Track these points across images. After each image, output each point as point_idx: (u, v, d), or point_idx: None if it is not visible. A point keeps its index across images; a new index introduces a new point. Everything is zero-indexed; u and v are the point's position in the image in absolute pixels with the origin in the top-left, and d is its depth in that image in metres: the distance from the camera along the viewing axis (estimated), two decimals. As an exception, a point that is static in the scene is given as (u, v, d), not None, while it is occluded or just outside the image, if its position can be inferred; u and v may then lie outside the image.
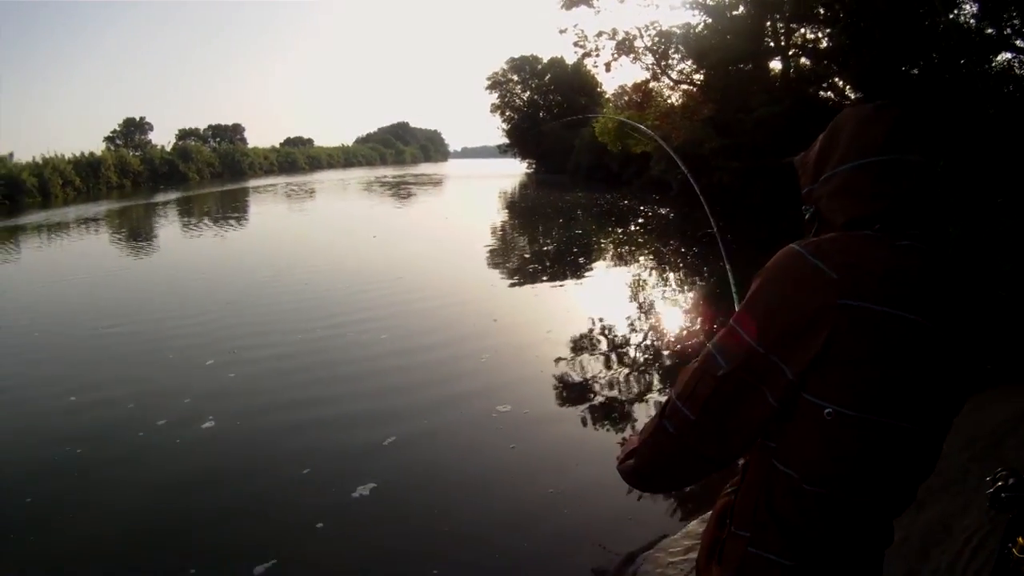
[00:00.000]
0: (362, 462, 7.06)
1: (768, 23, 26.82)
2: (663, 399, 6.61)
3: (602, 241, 24.79)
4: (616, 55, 34.99)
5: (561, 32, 37.09)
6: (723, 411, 1.59)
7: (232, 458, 7.31)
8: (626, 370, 10.15)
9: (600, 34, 35.07)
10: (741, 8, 27.04)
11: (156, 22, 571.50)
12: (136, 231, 34.10)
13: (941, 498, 5.11)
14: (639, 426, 7.80)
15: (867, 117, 1.69)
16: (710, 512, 2.03)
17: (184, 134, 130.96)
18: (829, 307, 1.46)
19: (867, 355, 1.47)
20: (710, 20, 28.72)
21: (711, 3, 29.02)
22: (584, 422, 8.21)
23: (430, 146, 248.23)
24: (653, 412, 8.19)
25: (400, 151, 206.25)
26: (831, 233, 1.64)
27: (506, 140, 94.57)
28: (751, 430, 1.61)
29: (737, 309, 1.63)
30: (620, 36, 34.36)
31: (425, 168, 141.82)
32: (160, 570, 5.40)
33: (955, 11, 17.37)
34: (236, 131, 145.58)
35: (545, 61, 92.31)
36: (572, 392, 9.19)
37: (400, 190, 61.48)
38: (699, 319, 13.07)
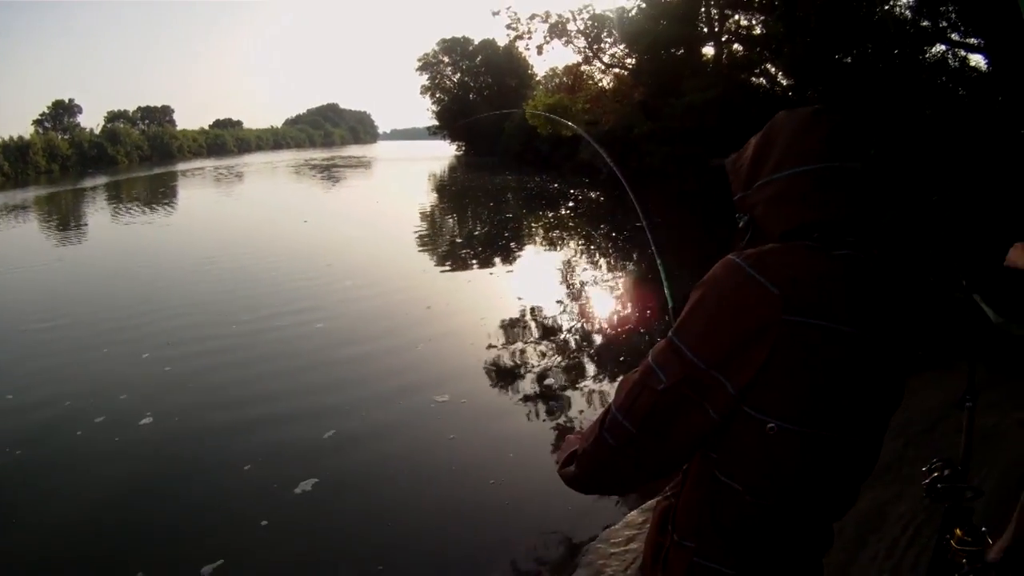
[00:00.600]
0: (303, 457, 6.88)
1: (702, 8, 27.03)
2: (597, 388, 6.57)
3: (533, 225, 24.68)
4: (548, 38, 35.23)
5: (494, 14, 37.25)
6: (664, 425, 1.55)
7: (172, 456, 7.03)
8: (560, 357, 9.92)
9: (533, 17, 35.26)
10: (676, -8, 27.13)
11: (83, 1, 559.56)
12: (65, 219, 32.44)
13: (875, 485, 5.14)
14: (574, 415, 7.81)
15: (804, 123, 1.63)
16: (650, 503, 2.21)
17: (113, 116, 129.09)
18: (772, 322, 1.43)
19: (808, 369, 1.45)
20: (644, 4, 28.95)
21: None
22: (521, 410, 8.08)
23: (359, 128, 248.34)
24: (587, 399, 8.11)
25: (329, 133, 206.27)
26: (766, 241, 1.59)
27: (436, 122, 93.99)
28: (691, 443, 1.57)
29: (673, 315, 1.70)
30: (553, 19, 34.51)
31: (354, 150, 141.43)
32: (105, 573, 5.19)
33: (890, 2, 17.61)
34: (165, 113, 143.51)
35: (476, 43, 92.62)
36: (508, 380, 9.05)
37: (330, 173, 61.13)
38: (630, 304, 13.03)
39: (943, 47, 16.60)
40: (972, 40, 15.88)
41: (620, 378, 1.70)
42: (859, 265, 1.51)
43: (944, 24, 16.46)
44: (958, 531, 2.45)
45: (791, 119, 1.66)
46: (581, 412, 7.89)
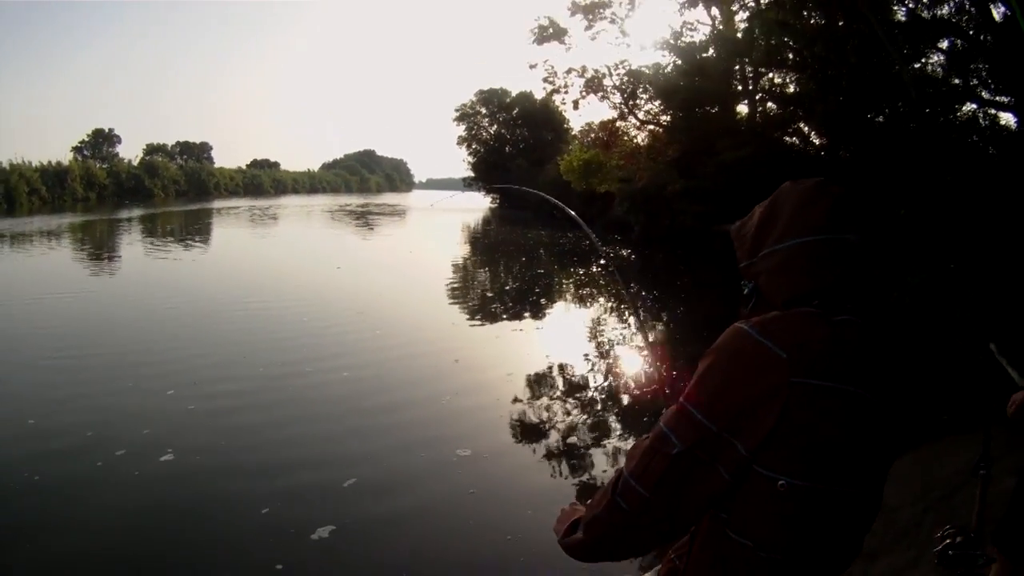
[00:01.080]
0: (322, 503, 6.84)
1: (737, 67, 27.09)
2: (620, 446, 6.52)
3: (564, 282, 24.65)
4: (585, 93, 35.37)
5: (531, 67, 37.53)
6: (677, 488, 1.60)
7: (191, 493, 6.99)
8: (584, 415, 9.93)
9: (570, 71, 35.49)
10: (711, 51, 27.24)
11: (130, 33, 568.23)
12: (100, 249, 32.87)
13: (893, 550, 5.14)
14: (596, 474, 7.78)
15: (808, 195, 1.73)
16: (656, 568, 2.13)
17: (152, 149, 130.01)
18: (781, 385, 1.50)
19: (817, 428, 1.52)
20: (680, 61, 29.08)
21: (682, 44, 29.30)
22: (542, 467, 8.10)
23: (395, 175, 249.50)
24: (610, 458, 8.07)
25: (365, 179, 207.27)
26: (770, 308, 1.69)
27: (471, 173, 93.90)
28: (704, 504, 1.63)
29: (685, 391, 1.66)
30: (589, 74, 34.77)
31: (389, 198, 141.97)
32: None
33: (922, 60, 17.62)
34: (203, 149, 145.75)
35: (514, 95, 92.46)
36: (531, 436, 9.04)
37: (365, 220, 61.38)
38: (656, 364, 12.88)
39: (974, 105, 16.64)
40: (1002, 99, 15.88)
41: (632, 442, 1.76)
42: (859, 329, 1.59)
43: (975, 82, 16.47)
44: None
45: (795, 191, 1.75)
46: (604, 471, 7.85)
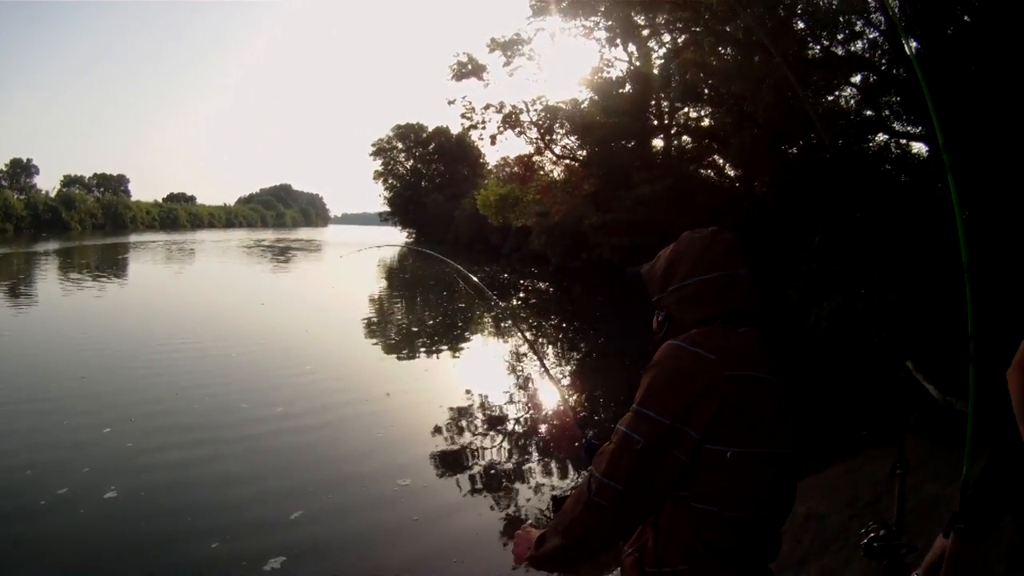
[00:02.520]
0: (270, 536, 6.91)
1: (653, 102, 27.44)
2: (545, 467, 6.65)
3: (486, 315, 24.85)
4: (502, 128, 35.47)
5: (450, 103, 37.51)
6: (645, 476, 1.94)
7: (139, 530, 6.98)
8: (514, 439, 10.33)
9: (488, 107, 35.54)
10: (628, 87, 27.58)
11: (49, 63, 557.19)
12: (21, 282, 32.24)
13: (823, 554, 5.51)
14: (529, 494, 8.17)
15: (706, 241, 2.20)
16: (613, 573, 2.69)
17: (69, 180, 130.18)
18: (718, 379, 1.92)
19: (747, 406, 1.93)
20: (596, 97, 29.32)
21: (598, 80, 29.62)
22: (480, 492, 8.39)
23: (311, 210, 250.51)
24: (538, 478, 8.30)
25: (281, 214, 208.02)
26: (681, 330, 2.10)
27: (387, 208, 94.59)
28: (668, 486, 1.96)
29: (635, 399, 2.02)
30: (507, 110, 34.87)
31: (305, 233, 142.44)
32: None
33: (836, 94, 18.04)
34: (120, 182, 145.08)
35: (430, 130, 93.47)
36: (466, 464, 9.36)
37: (285, 255, 61.67)
38: (575, 392, 13.34)
39: (886, 136, 17.13)
40: (912, 129, 16.33)
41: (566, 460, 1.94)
42: (757, 336, 2.10)
43: (887, 113, 16.91)
44: None
45: (695, 239, 2.24)
46: (537, 491, 8.34)
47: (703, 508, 1.96)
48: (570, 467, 9.19)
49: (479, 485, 8.59)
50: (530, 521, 7.50)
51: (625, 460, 1.94)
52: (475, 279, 4.77)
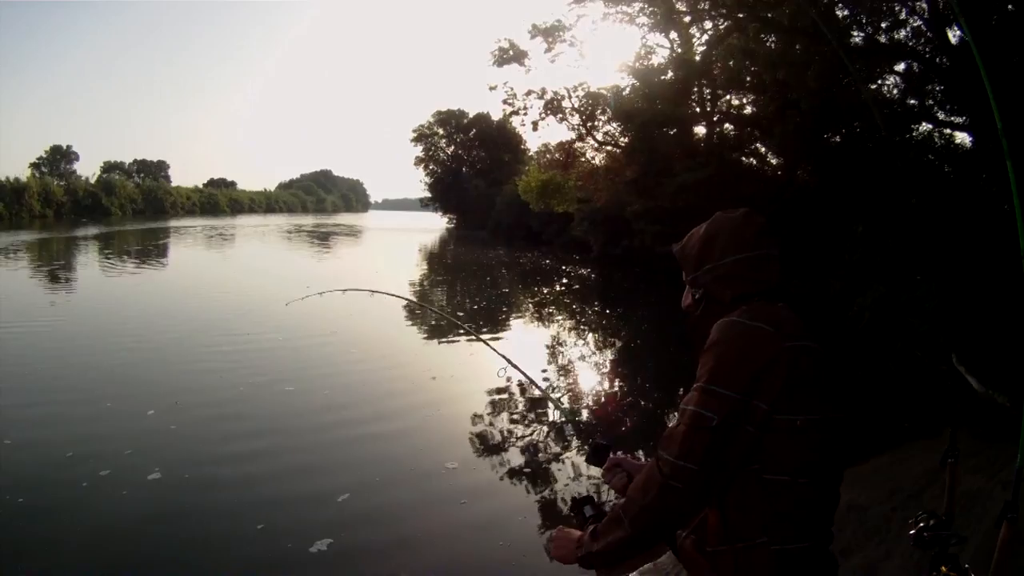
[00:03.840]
0: (317, 517, 6.96)
1: (695, 89, 27.28)
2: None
3: (529, 301, 24.93)
4: (544, 114, 35.45)
5: (491, 89, 37.59)
6: (720, 453, 1.95)
7: (183, 510, 7.02)
8: (555, 425, 10.27)
9: (529, 93, 35.52)
10: (670, 73, 27.43)
11: (89, 49, 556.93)
12: (62, 267, 32.62)
13: (865, 546, 5.47)
14: (578, 483, 8.11)
15: (740, 222, 2.26)
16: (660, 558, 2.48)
17: (109, 167, 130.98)
18: (781, 349, 1.97)
19: (810, 374, 2.00)
20: (638, 84, 29.16)
21: (640, 67, 29.48)
22: (525, 476, 8.40)
23: (351, 196, 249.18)
24: (584, 465, 8.30)
25: (321, 199, 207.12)
26: (718, 307, 2.21)
27: (428, 194, 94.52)
28: (741, 461, 1.98)
29: (699, 378, 2.05)
30: (549, 96, 34.79)
31: (346, 218, 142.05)
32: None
33: (878, 82, 17.91)
34: (160, 168, 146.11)
35: (471, 116, 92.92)
36: (510, 446, 9.41)
37: (326, 240, 61.40)
38: (630, 380, 13.49)
39: (929, 126, 17.05)
40: (956, 119, 16.20)
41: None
42: (792, 311, 2.14)
43: (931, 102, 16.79)
44: (944, 568, 2.71)
45: (728, 219, 2.29)
46: (575, 478, 8.28)
47: (775, 478, 1.98)
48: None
49: (525, 468, 8.63)
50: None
51: (699, 439, 1.94)
52: (456, 319, 4.78)
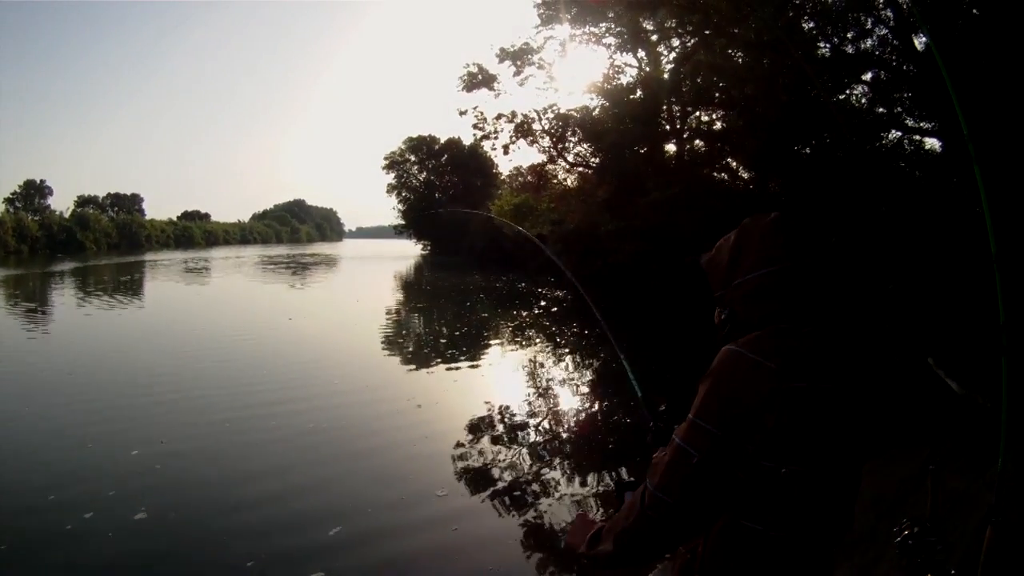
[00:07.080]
0: (309, 551, 6.89)
1: (665, 107, 27.42)
2: (587, 469, 6.76)
3: (509, 325, 25.14)
4: (514, 138, 35.44)
5: (461, 114, 37.55)
6: (700, 491, 1.89)
7: (172, 550, 6.90)
8: (544, 447, 10.45)
9: (499, 116, 35.52)
10: (639, 92, 27.58)
11: (61, 81, 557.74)
12: (38, 304, 32.06)
13: (853, 554, 5.45)
14: (564, 503, 8.22)
15: (767, 230, 2.06)
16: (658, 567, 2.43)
17: (83, 200, 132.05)
18: (777, 390, 1.81)
19: (805, 422, 1.82)
20: (607, 104, 29.29)
21: (609, 87, 29.62)
22: (517, 501, 8.39)
23: (326, 225, 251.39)
24: (581, 486, 8.53)
25: (296, 229, 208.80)
26: (745, 327, 2.00)
27: (402, 221, 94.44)
28: (721, 502, 1.90)
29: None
30: (519, 119, 34.85)
31: (320, 247, 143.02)
32: None
33: (846, 92, 18.03)
34: (134, 201, 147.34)
35: (442, 141, 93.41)
36: (500, 472, 9.41)
37: (303, 271, 61.60)
38: (612, 395, 13.50)
39: (899, 133, 17.17)
40: (925, 124, 16.35)
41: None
42: (821, 338, 1.92)
43: (899, 110, 16.91)
44: (930, 574, 2.70)
45: (756, 228, 2.10)
46: (582, 491, 8.60)
47: (749, 526, 1.87)
48: (593, 476, 9.27)
49: (515, 493, 8.61)
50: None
51: (680, 474, 1.89)
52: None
